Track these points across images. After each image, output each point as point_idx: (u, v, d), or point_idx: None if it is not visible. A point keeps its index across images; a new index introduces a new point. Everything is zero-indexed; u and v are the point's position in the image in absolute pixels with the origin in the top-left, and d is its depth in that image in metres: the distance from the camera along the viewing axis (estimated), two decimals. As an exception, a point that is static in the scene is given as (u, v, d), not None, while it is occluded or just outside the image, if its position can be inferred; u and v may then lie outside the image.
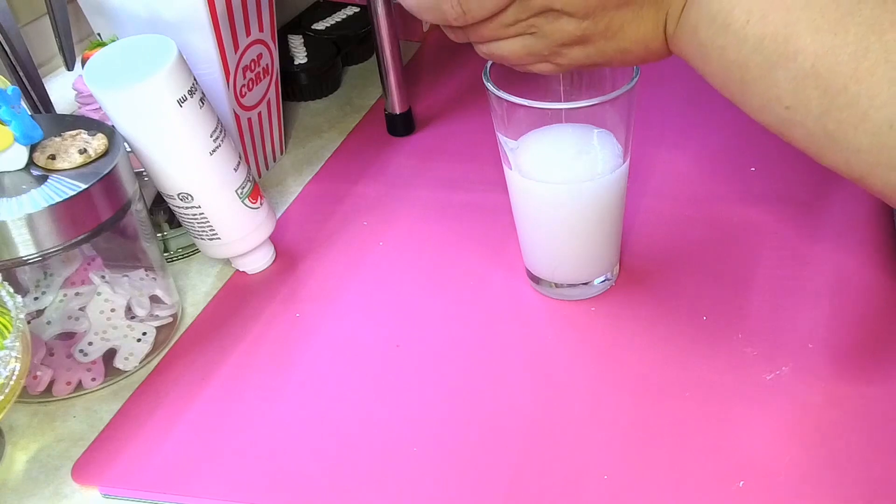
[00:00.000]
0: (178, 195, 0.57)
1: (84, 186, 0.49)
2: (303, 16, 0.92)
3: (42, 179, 0.50)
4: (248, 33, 0.67)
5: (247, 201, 0.59)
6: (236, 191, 0.58)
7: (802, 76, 0.38)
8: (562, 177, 0.53)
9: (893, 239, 0.59)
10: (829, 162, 0.40)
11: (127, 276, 0.57)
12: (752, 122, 0.42)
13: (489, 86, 0.51)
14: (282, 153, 0.77)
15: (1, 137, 0.49)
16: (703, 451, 0.47)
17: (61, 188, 0.49)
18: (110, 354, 0.55)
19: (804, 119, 0.39)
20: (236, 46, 0.66)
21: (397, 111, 0.76)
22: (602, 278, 0.58)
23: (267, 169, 0.75)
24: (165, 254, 0.65)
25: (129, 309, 0.57)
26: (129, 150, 0.54)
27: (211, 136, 0.55)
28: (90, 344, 0.55)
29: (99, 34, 0.66)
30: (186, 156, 0.55)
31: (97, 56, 0.54)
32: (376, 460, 0.48)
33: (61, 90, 0.69)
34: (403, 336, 0.56)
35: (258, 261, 0.62)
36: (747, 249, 0.60)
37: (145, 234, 0.56)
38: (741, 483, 0.45)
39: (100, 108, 0.55)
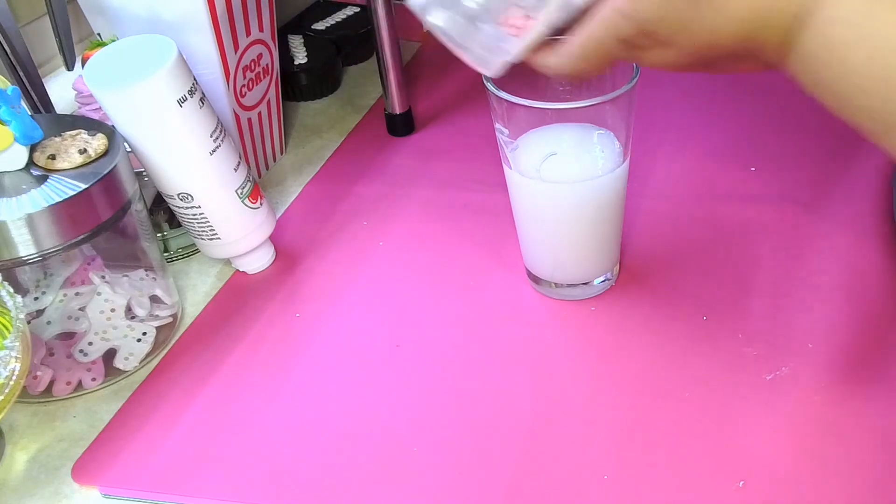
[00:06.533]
0: (178, 195, 0.57)
1: (84, 186, 0.49)
2: (303, 16, 0.92)
3: (42, 179, 0.50)
4: (248, 33, 0.67)
5: (247, 201, 0.59)
6: (236, 191, 0.58)
7: None
8: (562, 177, 0.53)
9: (893, 239, 0.59)
10: None
11: (127, 276, 0.57)
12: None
13: (489, 86, 0.51)
14: (282, 153, 0.77)
15: (1, 137, 0.49)
16: (703, 451, 0.47)
17: (61, 188, 0.49)
18: (110, 354, 0.55)
19: None
20: (236, 46, 0.66)
21: (397, 111, 0.76)
22: (602, 278, 0.58)
23: (267, 169, 0.75)
24: (165, 254, 0.65)
25: (129, 309, 0.57)
26: (129, 150, 0.54)
27: (211, 136, 0.56)
28: (90, 344, 0.55)
29: (99, 34, 0.66)
30: (186, 156, 0.55)
31: (97, 56, 0.54)
32: (376, 460, 0.48)
33: (61, 90, 0.69)
34: (403, 336, 0.56)
35: (258, 261, 0.62)
36: (747, 249, 0.60)
37: (145, 234, 0.56)
38: (741, 483, 0.45)
39: (100, 108, 0.55)
